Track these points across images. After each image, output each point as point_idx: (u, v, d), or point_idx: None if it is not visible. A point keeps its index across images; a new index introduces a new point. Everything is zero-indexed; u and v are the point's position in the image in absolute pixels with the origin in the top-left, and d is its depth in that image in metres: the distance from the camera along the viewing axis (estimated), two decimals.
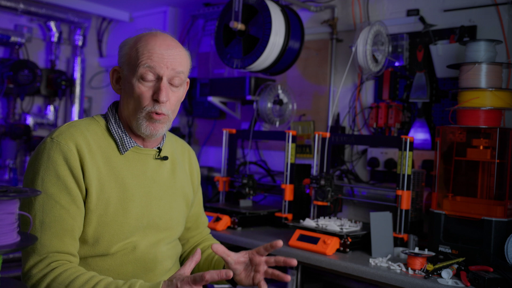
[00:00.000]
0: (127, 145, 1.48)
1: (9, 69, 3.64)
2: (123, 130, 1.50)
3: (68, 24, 4.10)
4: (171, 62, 1.43)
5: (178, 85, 1.47)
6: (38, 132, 4.00)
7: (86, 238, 1.42)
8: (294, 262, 1.45)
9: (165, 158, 1.57)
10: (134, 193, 1.47)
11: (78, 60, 4.12)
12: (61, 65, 4.17)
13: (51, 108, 4.04)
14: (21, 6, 3.66)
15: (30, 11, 3.74)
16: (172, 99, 1.47)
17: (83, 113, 4.23)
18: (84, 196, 1.40)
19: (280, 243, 1.44)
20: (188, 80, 1.56)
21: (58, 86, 3.91)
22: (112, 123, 1.50)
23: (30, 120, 3.89)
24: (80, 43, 4.11)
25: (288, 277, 1.43)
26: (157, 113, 1.43)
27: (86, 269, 1.42)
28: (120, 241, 1.45)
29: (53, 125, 4.04)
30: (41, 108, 4.09)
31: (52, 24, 4.00)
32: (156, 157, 1.55)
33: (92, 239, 1.42)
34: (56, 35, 4.03)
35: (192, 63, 1.55)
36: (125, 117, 1.49)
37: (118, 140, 1.48)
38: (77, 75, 4.11)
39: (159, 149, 1.57)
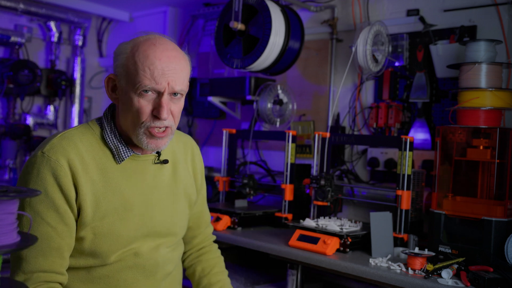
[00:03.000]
0: (123, 155, 1.42)
1: (9, 69, 3.64)
2: (118, 138, 1.43)
3: (68, 24, 4.10)
4: (172, 77, 1.34)
5: (180, 96, 1.40)
6: (38, 132, 3.99)
7: (82, 250, 1.39)
8: None
9: (165, 161, 1.51)
10: (133, 203, 1.43)
11: (78, 60, 4.12)
12: (61, 65, 4.17)
13: (51, 108, 4.04)
14: (21, 6, 3.66)
15: (30, 11, 3.74)
16: (175, 111, 1.39)
17: (83, 113, 4.23)
18: (76, 212, 1.36)
19: None
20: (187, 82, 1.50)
21: (58, 86, 3.91)
22: (107, 132, 1.43)
23: (30, 120, 3.89)
24: (80, 43, 4.11)
25: None
26: (158, 128, 1.37)
27: (86, 276, 1.41)
28: (118, 250, 1.42)
29: (53, 125, 4.04)
30: (41, 108, 4.09)
31: (52, 24, 4.00)
32: (155, 161, 1.49)
33: (89, 250, 1.39)
34: (56, 35, 4.03)
35: (192, 64, 1.48)
36: (123, 128, 1.42)
37: (114, 150, 1.42)
38: (77, 75, 4.11)
39: (158, 153, 1.50)
